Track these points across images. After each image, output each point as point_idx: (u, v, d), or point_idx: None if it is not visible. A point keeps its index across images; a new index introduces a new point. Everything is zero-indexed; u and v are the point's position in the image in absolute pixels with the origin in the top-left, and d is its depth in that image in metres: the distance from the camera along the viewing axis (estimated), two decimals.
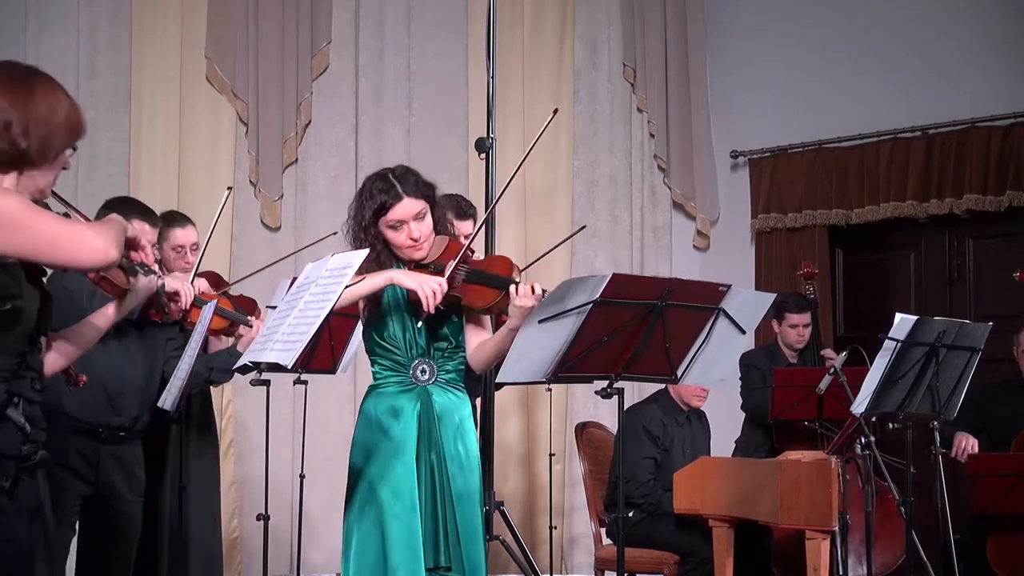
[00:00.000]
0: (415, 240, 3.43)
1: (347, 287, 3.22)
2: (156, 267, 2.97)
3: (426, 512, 3.38)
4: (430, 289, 3.32)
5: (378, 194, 3.42)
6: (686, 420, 5.65)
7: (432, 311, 3.33)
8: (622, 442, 5.47)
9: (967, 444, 5.52)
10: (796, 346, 6.11)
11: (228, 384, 6.35)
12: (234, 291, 4.71)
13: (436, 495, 3.40)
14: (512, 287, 3.37)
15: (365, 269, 3.36)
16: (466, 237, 3.68)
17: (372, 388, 3.51)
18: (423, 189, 3.46)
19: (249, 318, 4.38)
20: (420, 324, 3.40)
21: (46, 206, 2.55)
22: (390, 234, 3.43)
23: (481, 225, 3.89)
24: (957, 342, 4.52)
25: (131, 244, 2.67)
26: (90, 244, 2.40)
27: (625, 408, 5.53)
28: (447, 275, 3.40)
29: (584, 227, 4.05)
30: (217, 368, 4.39)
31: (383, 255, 3.45)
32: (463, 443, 3.48)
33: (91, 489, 4.06)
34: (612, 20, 7.67)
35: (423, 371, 3.46)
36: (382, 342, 3.47)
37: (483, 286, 3.42)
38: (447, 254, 3.48)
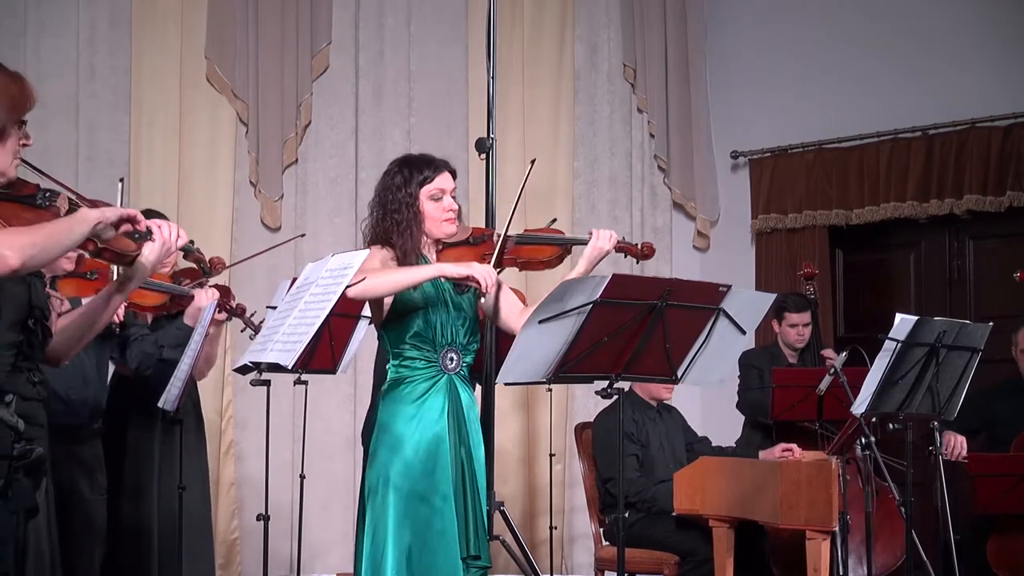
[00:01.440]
0: (452, 211, 3.57)
1: (395, 279, 3.38)
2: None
3: (457, 504, 3.48)
4: (484, 271, 3.40)
5: (422, 166, 3.57)
6: (656, 415, 5.65)
7: (491, 292, 3.43)
8: (603, 448, 5.53)
9: (956, 443, 5.50)
10: (796, 346, 6.12)
11: (228, 384, 6.37)
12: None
13: (466, 487, 3.52)
14: (593, 231, 3.67)
15: (400, 249, 3.48)
16: None
17: (397, 381, 3.56)
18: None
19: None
20: (483, 298, 3.51)
21: (26, 190, 2.50)
22: (429, 206, 3.54)
23: (510, 221, 3.89)
24: (957, 342, 4.52)
25: (130, 220, 2.58)
26: None
27: (595, 416, 5.63)
28: (497, 244, 3.63)
29: (555, 219, 4.07)
30: (168, 345, 4.35)
31: (415, 231, 3.53)
32: (479, 440, 3.61)
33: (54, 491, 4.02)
34: (612, 20, 7.67)
35: (451, 359, 3.55)
36: (420, 332, 3.52)
37: (540, 244, 3.68)
38: (475, 233, 3.68)
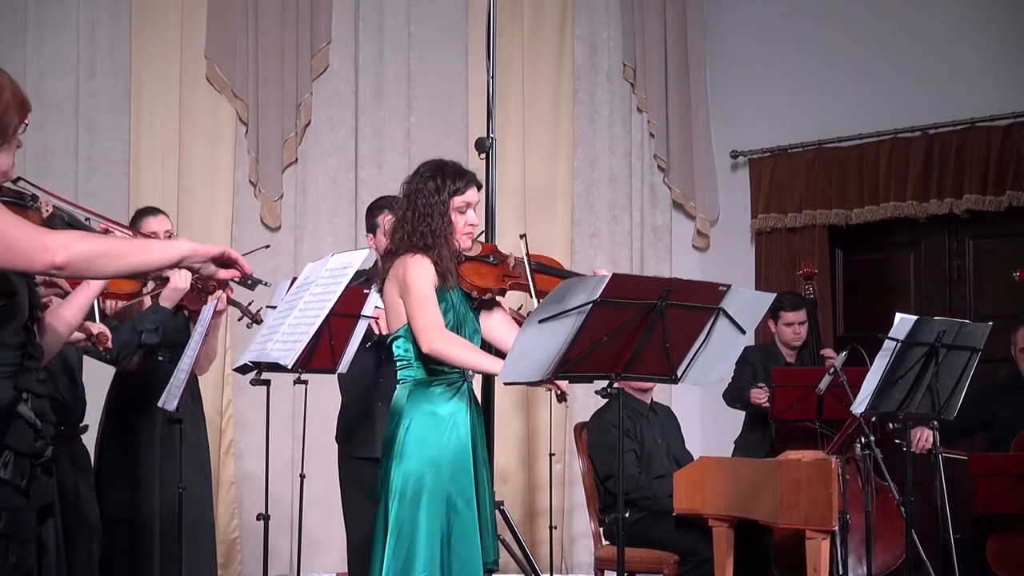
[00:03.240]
0: (473, 226, 3.72)
1: (468, 359, 3.58)
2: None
3: (480, 508, 3.61)
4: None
5: (454, 176, 3.70)
6: (649, 411, 5.67)
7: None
8: (600, 448, 5.54)
9: (922, 436, 5.47)
10: (793, 344, 6.12)
11: (228, 383, 6.37)
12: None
13: (486, 493, 3.64)
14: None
15: (439, 257, 3.62)
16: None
17: (421, 384, 3.66)
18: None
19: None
20: (563, 402, 3.73)
21: (15, 193, 2.53)
22: (455, 216, 3.68)
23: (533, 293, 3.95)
24: (957, 342, 4.51)
25: (225, 262, 2.57)
26: (43, 245, 2.32)
27: (590, 418, 5.65)
28: (513, 268, 3.79)
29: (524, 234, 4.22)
30: (146, 330, 4.35)
31: (449, 239, 3.68)
32: (485, 448, 3.77)
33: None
34: (612, 20, 7.67)
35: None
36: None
37: (553, 276, 3.82)
38: (485, 250, 3.85)
